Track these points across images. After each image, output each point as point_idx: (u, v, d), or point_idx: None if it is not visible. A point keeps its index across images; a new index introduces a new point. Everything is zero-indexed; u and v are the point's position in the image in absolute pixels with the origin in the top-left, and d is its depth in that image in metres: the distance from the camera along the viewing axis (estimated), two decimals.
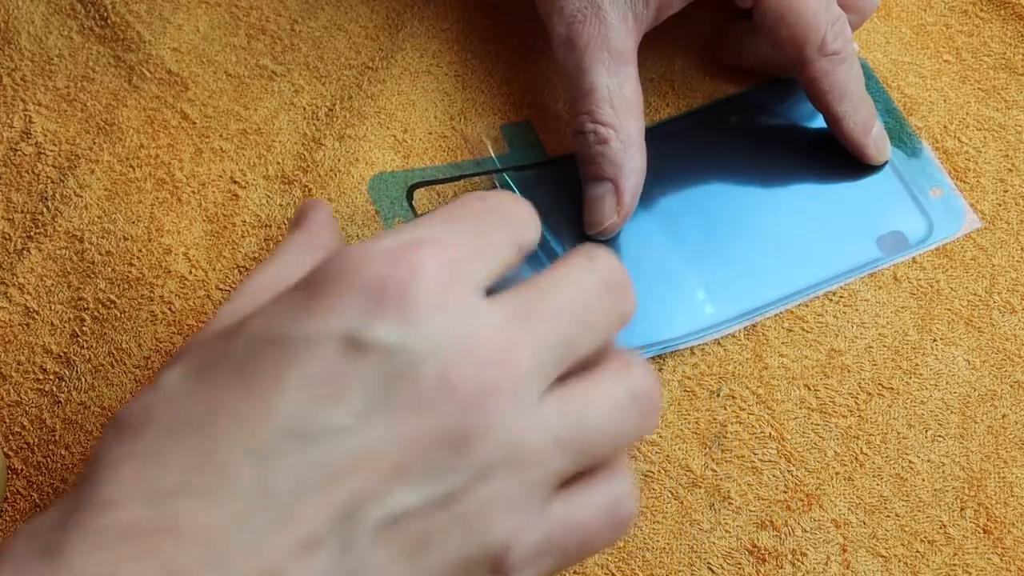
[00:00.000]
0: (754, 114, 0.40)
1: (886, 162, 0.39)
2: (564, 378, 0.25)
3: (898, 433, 0.35)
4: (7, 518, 0.34)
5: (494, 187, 0.38)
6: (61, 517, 0.22)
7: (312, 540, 0.22)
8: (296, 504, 0.21)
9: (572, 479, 0.26)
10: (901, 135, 0.39)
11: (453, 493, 0.23)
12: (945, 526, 0.34)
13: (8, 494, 0.34)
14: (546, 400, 0.24)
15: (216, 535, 0.21)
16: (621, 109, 0.36)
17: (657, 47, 0.41)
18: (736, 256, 0.37)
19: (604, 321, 0.26)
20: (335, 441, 0.22)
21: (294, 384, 0.22)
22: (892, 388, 0.36)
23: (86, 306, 0.37)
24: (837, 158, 0.38)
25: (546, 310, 0.24)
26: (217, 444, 0.22)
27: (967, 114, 0.40)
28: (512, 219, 0.26)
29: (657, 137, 0.39)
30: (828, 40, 0.36)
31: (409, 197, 0.38)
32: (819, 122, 0.39)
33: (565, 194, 0.38)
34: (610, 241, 0.37)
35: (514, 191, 0.37)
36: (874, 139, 0.38)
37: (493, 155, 0.39)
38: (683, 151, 0.39)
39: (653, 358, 0.36)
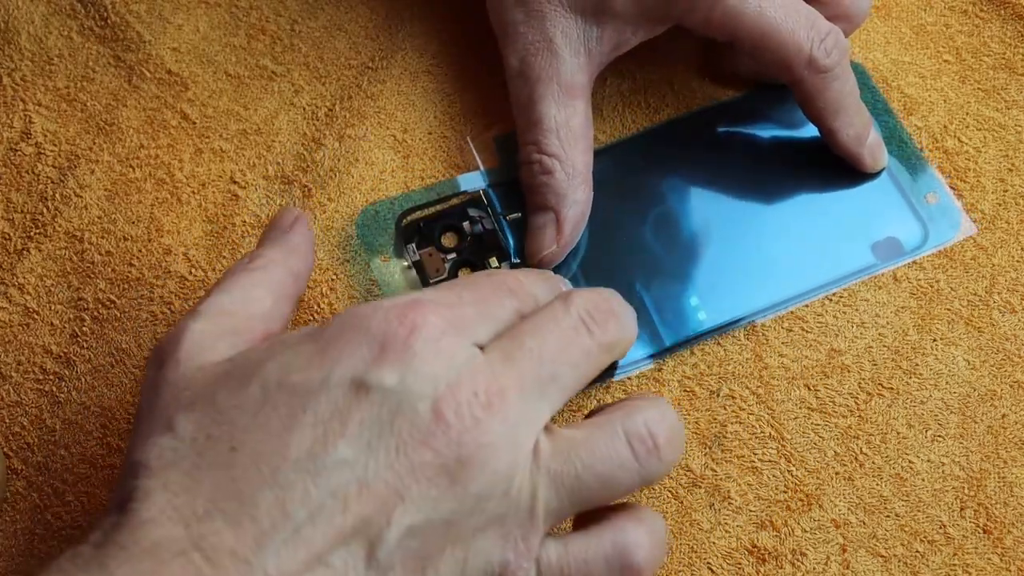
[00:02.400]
0: (749, 119, 0.40)
1: (882, 169, 0.39)
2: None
3: (898, 433, 0.35)
4: (7, 518, 0.34)
5: (483, 201, 0.38)
6: (103, 535, 0.24)
7: (324, 559, 0.24)
8: (310, 527, 0.24)
9: (588, 517, 0.28)
10: (898, 141, 0.39)
11: (450, 519, 0.25)
12: (945, 526, 0.34)
13: (8, 494, 0.34)
14: (541, 438, 0.27)
15: (240, 553, 0.24)
16: (568, 141, 0.36)
17: (657, 50, 0.41)
18: (730, 262, 0.37)
19: (585, 357, 0.28)
20: (343, 471, 0.24)
21: (308, 424, 0.25)
22: (892, 388, 0.36)
23: (86, 306, 0.37)
24: (832, 163, 0.38)
25: (527, 352, 0.27)
26: (239, 478, 0.24)
27: (967, 114, 0.40)
28: (518, 293, 0.29)
29: (651, 141, 0.39)
30: (817, 57, 0.35)
31: (398, 226, 0.37)
32: (815, 128, 0.39)
33: None
34: (603, 246, 0.37)
35: (497, 208, 0.38)
36: (869, 148, 0.38)
37: (482, 168, 0.39)
38: (678, 155, 0.39)
39: (651, 356, 0.36)
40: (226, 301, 0.29)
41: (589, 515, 0.29)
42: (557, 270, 0.37)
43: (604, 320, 0.29)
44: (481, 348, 0.27)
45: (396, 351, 0.26)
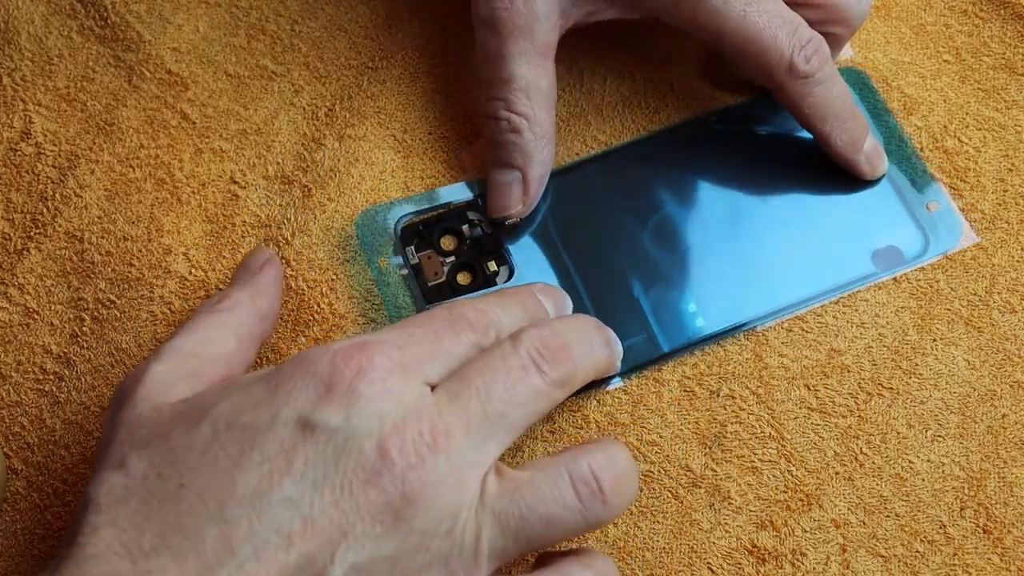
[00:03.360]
0: (749, 125, 0.40)
1: (882, 176, 0.38)
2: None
3: (898, 433, 0.35)
4: (7, 518, 0.34)
5: (481, 205, 0.38)
6: (52, 570, 0.25)
7: None
8: (254, 563, 0.25)
9: (540, 561, 0.29)
10: (899, 149, 0.39)
11: (394, 557, 0.26)
12: (945, 526, 0.34)
13: (8, 494, 0.34)
14: (489, 478, 0.27)
15: None
16: (536, 101, 0.36)
17: (658, 49, 0.41)
18: (729, 269, 0.37)
19: (535, 396, 0.29)
20: (288, 508, 0.25)
21: (255, 462, 0.26)
22: (892, 388, 0.36)
23: (86, 306, 0.37)
24: (833, 171, 0.38)
25: (474, 392, 0.27)
26: (186, 513, 0.25)
27: (967, 114, 0.40)
28: (473, 325, 0.30)
29: (652, 146, 0.39)
30: (797, 63, 0.35)
31: (396, 231, 0.37)
32: None
33: (556, 207, 0.38)
34: (602, 251, 0.37)
35: (491, 233, 0.38)
36: (866, 155, 0.38)
37: (467, 181, 0.39)
38: (678, 161, 0.39)
39: (651, 360, 0.36)
40: (190, 342, 0.30)
41: (542, 558, 0.29)
42: (557, 278, 0.37)
43: (555, 358, 0.29)
44: (434, 387, 0.28)
45: (342, 392, 0.26)
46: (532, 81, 0.36)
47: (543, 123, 0.36)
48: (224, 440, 0.26)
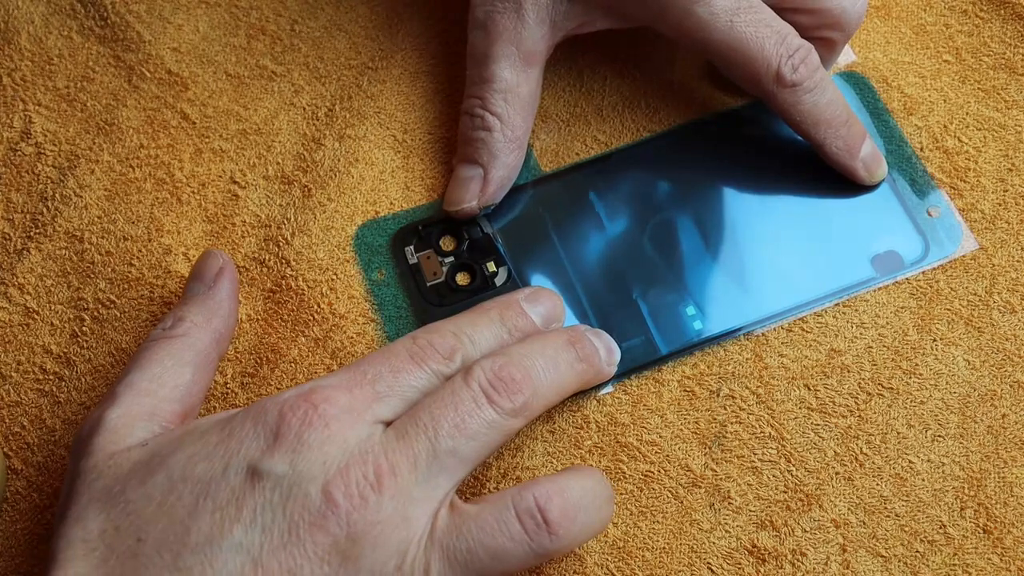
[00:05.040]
0: (749, 128, 0.40)
1: (881, 182, 0.38)
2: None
3: (898, 433, 0.35)
4: (7, 518, 0.34)
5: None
6: None
7: None
8: None
9: None
10: (899, 153, 0.39)
11: None
12: (945, 526, 0.34)
13: (8, 494, 0.34)
14: (442, 512, 0.28)
15: None
16: (513, 104, 0.37)
17: (658, 50, 0.41)
18: (727, 272, 0.37)
19: (487, 428, 0.29)
20: (239, 554, 0.26)
21: (207, 511, 0.26)
22: (892, 388, 0.36)
23: (86, 306, 0.37)
24: (833, 174, 0.38)
25: (420, 429, 0.28)
26: (143, 566, 0.26)
27: (967, 114, 0.40)
28: (439, 352, 0.30)
29: (652, 150, 0.39)
30: (784, 73, 0.35)
31: (393, 244, 0.37)
32: None
33: (553, 210, 0.38)
34: (601, 253, 0.37)
35: (490, 234, 0.38)
36: (863, 161, 0.37)
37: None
38: (678, 164, 0.39)
39: (650, 363, 0.36)
40: (145, 379, 0.31)
41: None
42: (555, 280, 0.37)
43: (508, 387, 0.29)
44: (388, 423, 0.28)
45: (288, 440, 0.27)
46: (512, 85, 0.37)
47: (516, 127, 0.37)
48: (180, 491, 0.27)
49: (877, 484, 0.34)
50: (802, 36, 0.36)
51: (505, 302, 0.33)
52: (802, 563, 0.33)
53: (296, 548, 0.26)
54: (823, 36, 0.37)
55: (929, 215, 0.38)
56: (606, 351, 0.33)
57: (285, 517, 0.26)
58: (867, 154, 0.38)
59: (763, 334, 0.36)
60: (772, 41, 0.35)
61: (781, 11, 0.36)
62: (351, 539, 0.26)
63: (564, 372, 0.31)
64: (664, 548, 0.33)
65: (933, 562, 0.33)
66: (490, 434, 0.29)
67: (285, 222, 0.38)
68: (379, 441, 0.28)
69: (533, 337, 0.32)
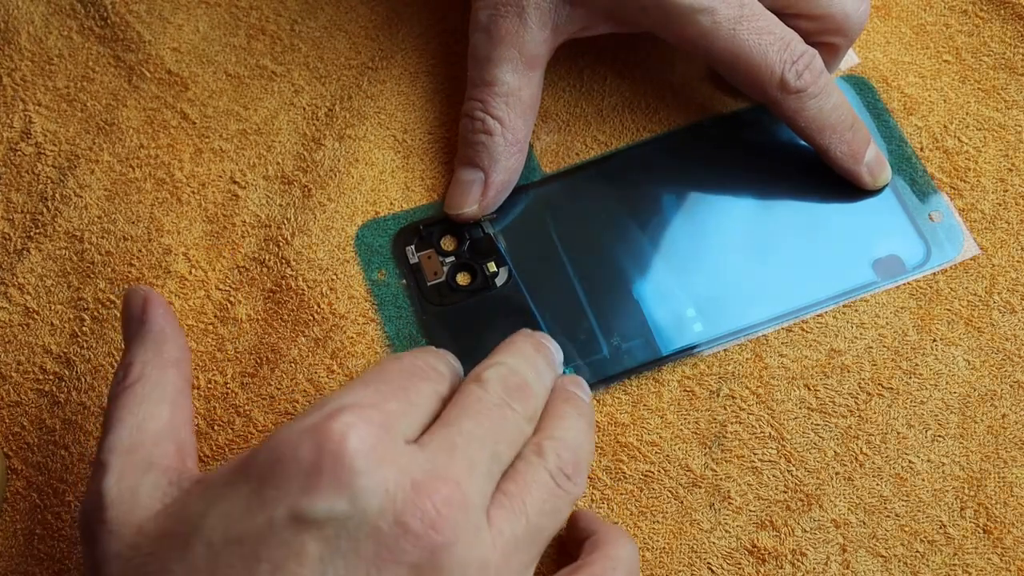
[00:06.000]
0: (750, 131, 0.40)
1: (885, 186, 0.38)
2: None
3: (898, 433, 0.35)
4: (7, 518, 0.34)
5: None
6: None
7: None
8: None
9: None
10: (899, 154, 0.39)
11: None
12: (945, 526, 0.34)
13: (8, 494, 0.34)
14: (493, 513, 0.27)
15: None
16: (514, 108, 0.37)
17: (659, 51, 0.41)
18: (728, 274, 0.37)
19: (514, 429, 0.29)
20: None
21: (265, 572, 0.24)
22: (892, 388, 0.36)
23: (86, 306, 0.37)
24: (835, 178, 0.38)
25: (464, 438, 0.27)
26: None
27: (967, 114, 0.40)
28: (430, 374, 0.29)
29: (653, 151, 0.39)
30: (788, 80, 0.35)
31: (394, 244, 0.37)
32: None
33: (557, 210, 0.38)
34: (602, 254, 0.37)
35: (491, 234, 0.38)
36: (867, 166, 0.37)
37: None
38: (679, 166, 0.39)
39: (649, 364, 0.36)
40: (125, 437, 0.28)
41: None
42: (556, 280, 0.37)
43: (520, 394, 0.30)
44: (414, 441, 0.27)
45: (335, 473, 0.25)
46: (514, 88, 0.37)
47: (517, 131, 0.37)
48: (227, 558, 0.24)
49: (877, 484, 0.34)
50: (805, 42, 0.36)
51: (429, 348, 0.33)
52: (802, 563, 0.33)
53: None
54: (826, 41, 0.37)
55: (931, 219, 0.38)
56: (558, 355, 0.34)
57: (359, 558, 0.24)
58: (871, 159, 0.37)
59: (763, 334, 0.36)
60: (776, 48, 0.35)
61: (784, 17, 0.36)
62: (433, 565, 0.25)
63: (545, 378, 0.32)
64: (664, 548, 0.33)
65: (933, 562, 0.33)
66: (519, 439, 0.29)
67: (285, 222, 0.38)
68: (428, 457, 0.26)
69: (509, 348, 0.32)
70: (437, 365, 0.30)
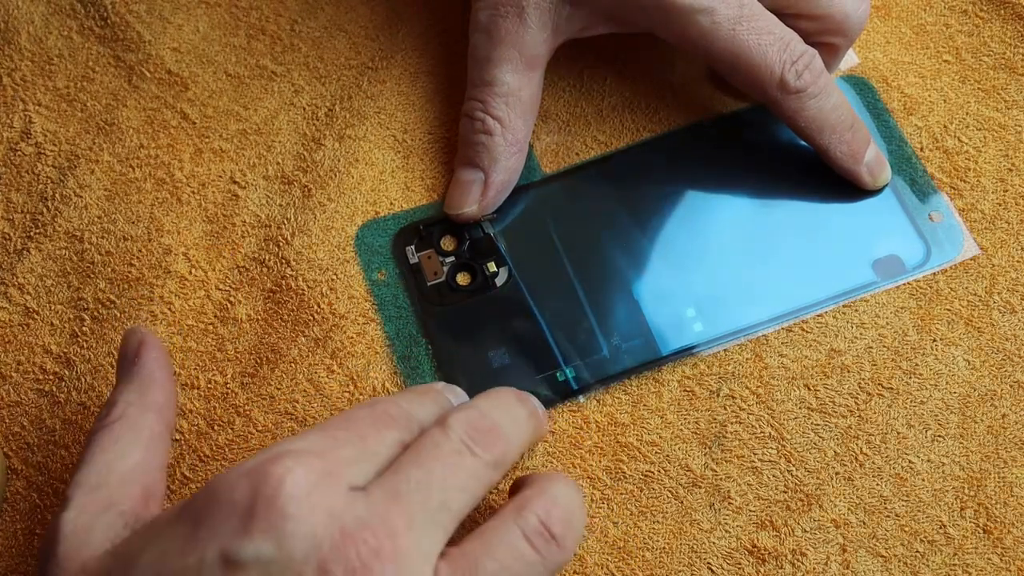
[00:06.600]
0: (750, 132, 0.40)
1: (885, 186, 0.38)
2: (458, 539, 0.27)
3: (898, 433, 0.35)
4: (7, 518, 0.34)
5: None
6: None
7: None
8: None
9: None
10: (899, 154, 0.39)
11: None
12: (945, 526, 0.34)
13: (8, 494, 0.34)
14: (440, 565, 0.26)
15: None
16: (515, 109, 0.37)
17: (659, 51, 0.41)
18: (728, 275, 0.37)
19: (473, 479, 0.28)
20: None
21: None
22: (892, 388, 0.36)
23: (86, 306, 0.37)
24: (835, 178, 0.38)
25: (413, 485, 0.26)
26: None
27: (967, 114, 0.40)
28: (398, 423, 0.28)
29: (653, 151, 0.39)
30: (788, 80, 0.35)
31: (394, 244, 0.37)
32: None
33: (557, 210, 0.38)
34: (602, 254, 0.37)
35: (491, 234, 0.38)
36: (867, 166, 0.37)
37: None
38: (678, 166, 0.39)
39: (649, 364, 0.36)
40: (94, 474, 0.28)
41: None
42: (556, 281, 0.37)
43: (486, 439, 0.28)
44: (362, 488, 0.26)
45: (266, 516, 0.24)
46: (514, 89, 0.37)
47: (517, 131, 0.37)
48: None
49: (877, 484, 0.34)
50: (805, 42, 0.36)
51: (429, 388, 0.33)
52: (802, 563, 0.33)
53: None
54: (826, 41, 0.37)
55: (931, 220, 0.38)
56: (542, 411, 0.33)
57: None
58: (871, 159, 0.37)
59: (763, 334, 0.36)
60: (775, 48, 0.35)
61: (783, 17, 0.36)
62: None
63: (523, 427, 0.31)
64: (664, 548, 0.33)
65: (933, 562, 0.33)
66: (476, 485, 0.28)
67: (285, 222, 0.38)
68: (367, 505, 0.26)
69: (488, 394, 0.31)
70: (415, 412, 0.29)
